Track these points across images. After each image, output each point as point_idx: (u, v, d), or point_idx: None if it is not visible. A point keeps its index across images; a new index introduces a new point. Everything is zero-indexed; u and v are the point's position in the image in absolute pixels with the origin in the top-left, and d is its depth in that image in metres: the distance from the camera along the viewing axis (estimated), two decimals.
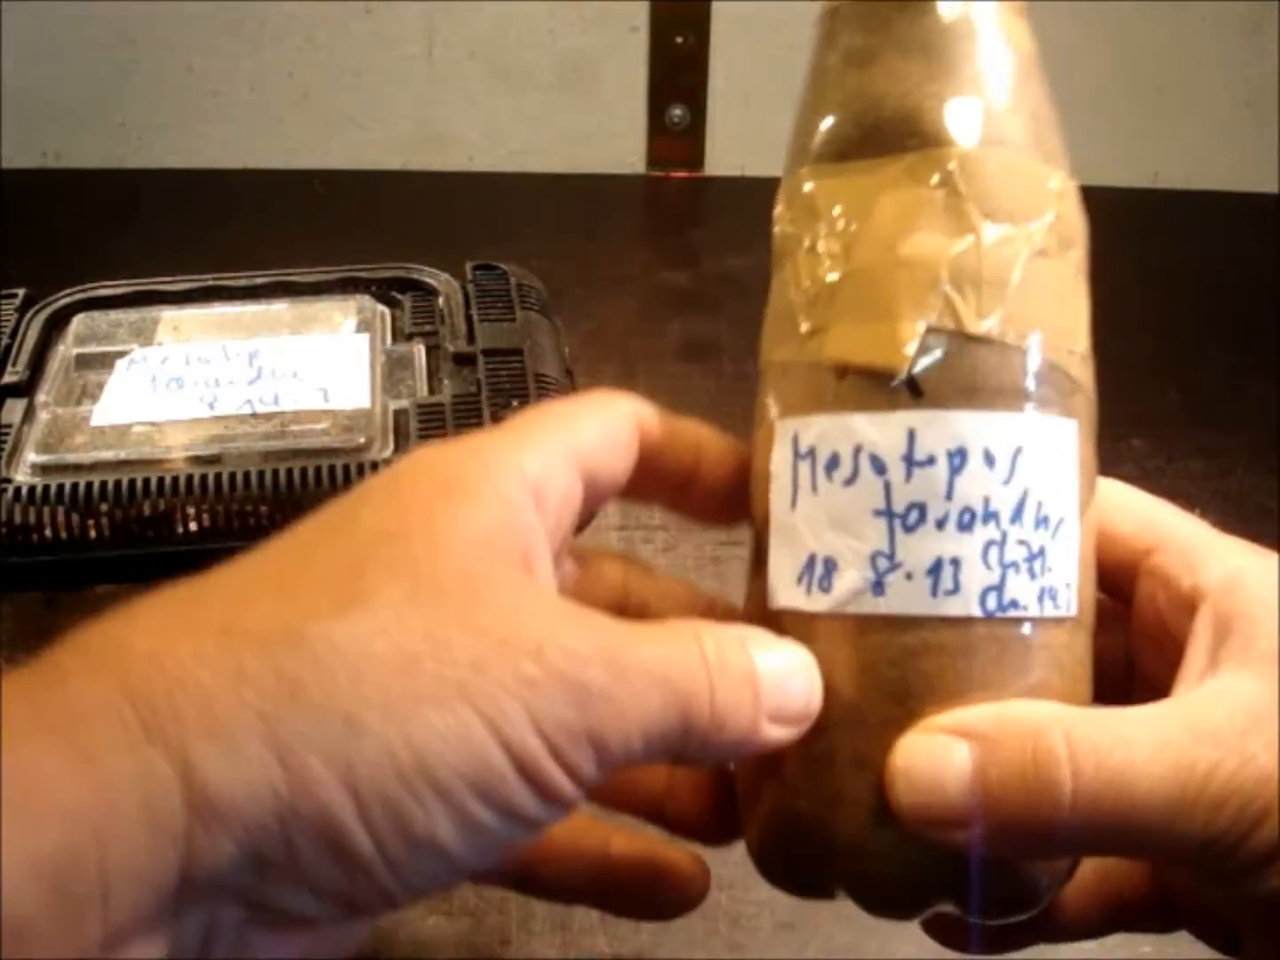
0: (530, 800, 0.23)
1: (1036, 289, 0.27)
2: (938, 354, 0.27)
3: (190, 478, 0.38)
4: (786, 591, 0.28)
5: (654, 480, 0.30)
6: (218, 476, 0.38)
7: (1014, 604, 0.27)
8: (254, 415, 0.41)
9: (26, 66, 0.88)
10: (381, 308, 0.47)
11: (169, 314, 0.46)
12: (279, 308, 0.47)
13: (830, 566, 0.27)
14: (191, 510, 0.38)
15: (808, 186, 0.29)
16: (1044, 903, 0.28)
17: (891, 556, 0.27)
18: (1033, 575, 0.27)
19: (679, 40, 0.90)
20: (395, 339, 0.46)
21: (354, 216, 0.86)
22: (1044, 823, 0.25)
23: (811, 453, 0.28)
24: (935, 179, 0.27)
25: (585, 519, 0.29)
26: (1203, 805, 0.24)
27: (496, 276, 0.48)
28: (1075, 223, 0.29)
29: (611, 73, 0.92)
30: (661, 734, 0.24)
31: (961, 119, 0.27)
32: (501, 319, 0.47)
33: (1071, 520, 0.27)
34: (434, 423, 0.41)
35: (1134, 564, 0.30)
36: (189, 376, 0.43)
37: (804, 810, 0.28)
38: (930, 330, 0.27)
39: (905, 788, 0.26)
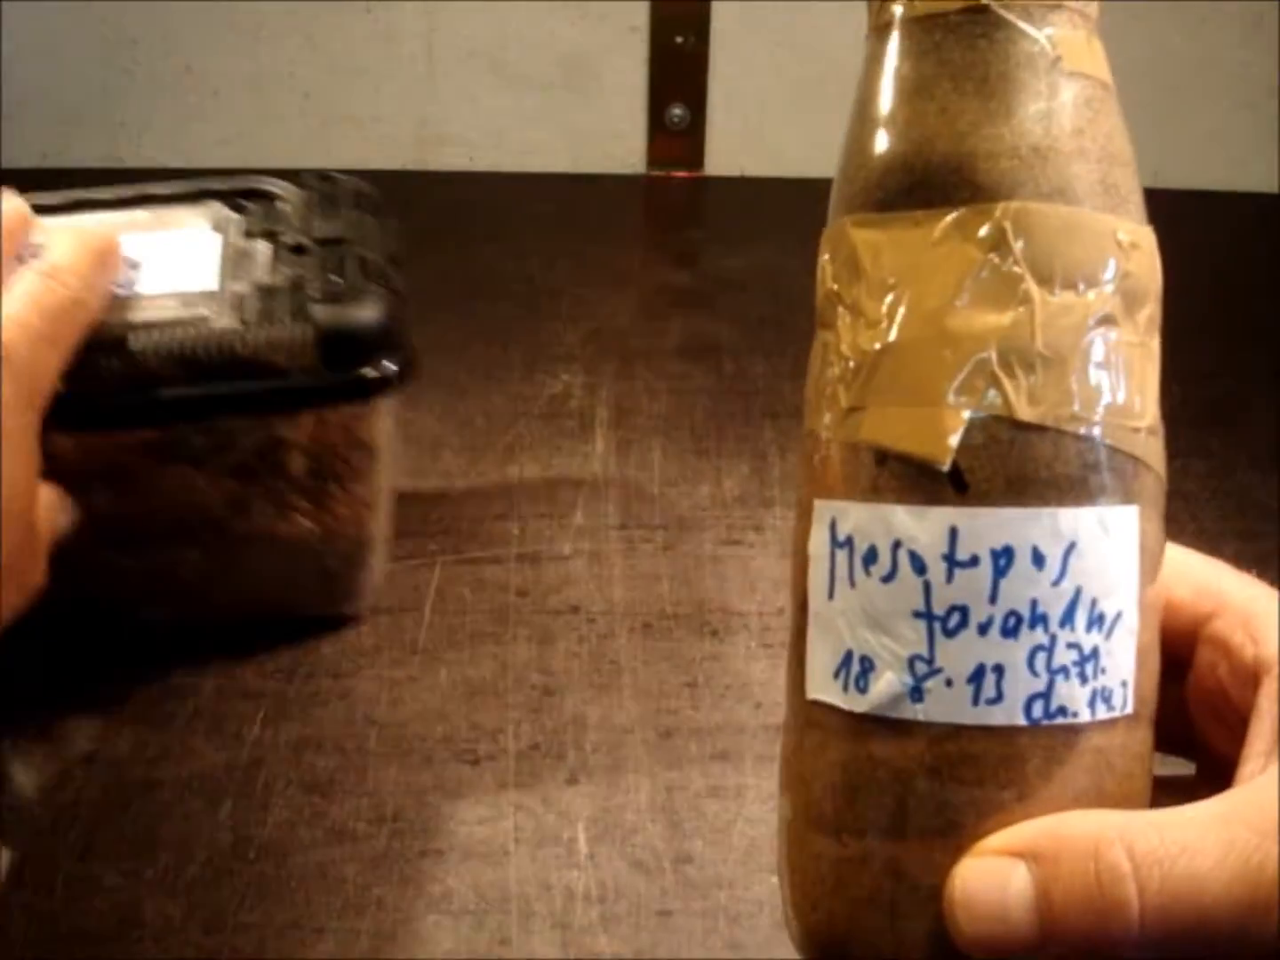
0: None
1: (1098, 364, 0.25)
2: (984, 444, 0.25)
3: None
4: (823, 684, 0.27)
5: None
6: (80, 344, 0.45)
7: (1062, 711, 0.25)
8: (114, 297, 0.48)
9: (26, 66, 0.89)
10: (232, 213, 0.53)
11: (43, 222, 0.52)
12: (140, 215, 0.53)
13: (867, 666, 0.26)
14: None
15: (852, 237, 0.26)
16: None
17: (930, 661, 0.25)
18: (1084, 679, 0.25)
19: (679, 40, 0.90)
20: (242, 238, 0.52)
21: None
22: (1113, 942, 0.24)
23: (849, 542, 0.26)
24: (986, 238, 0.25)
25: None
26: (1276, 907, 0.24)
27: (333, 184, 0.55)
28: (1147, 277, 0.26)
29: (611, 73, 0.92)
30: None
31: (1018, 167, 0.25)
32: (334, 216, 0.53)
33: (1130, 613, 0.26)
34: (269, 299, 0.48)
35: (1193, 630, 0.29)
36: None
37: (834, 908, 0.27)
38: (976, 418, 0.25)
39: (966, 917, 0.25)
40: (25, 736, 0.49)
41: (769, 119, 0.92)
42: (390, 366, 0.48)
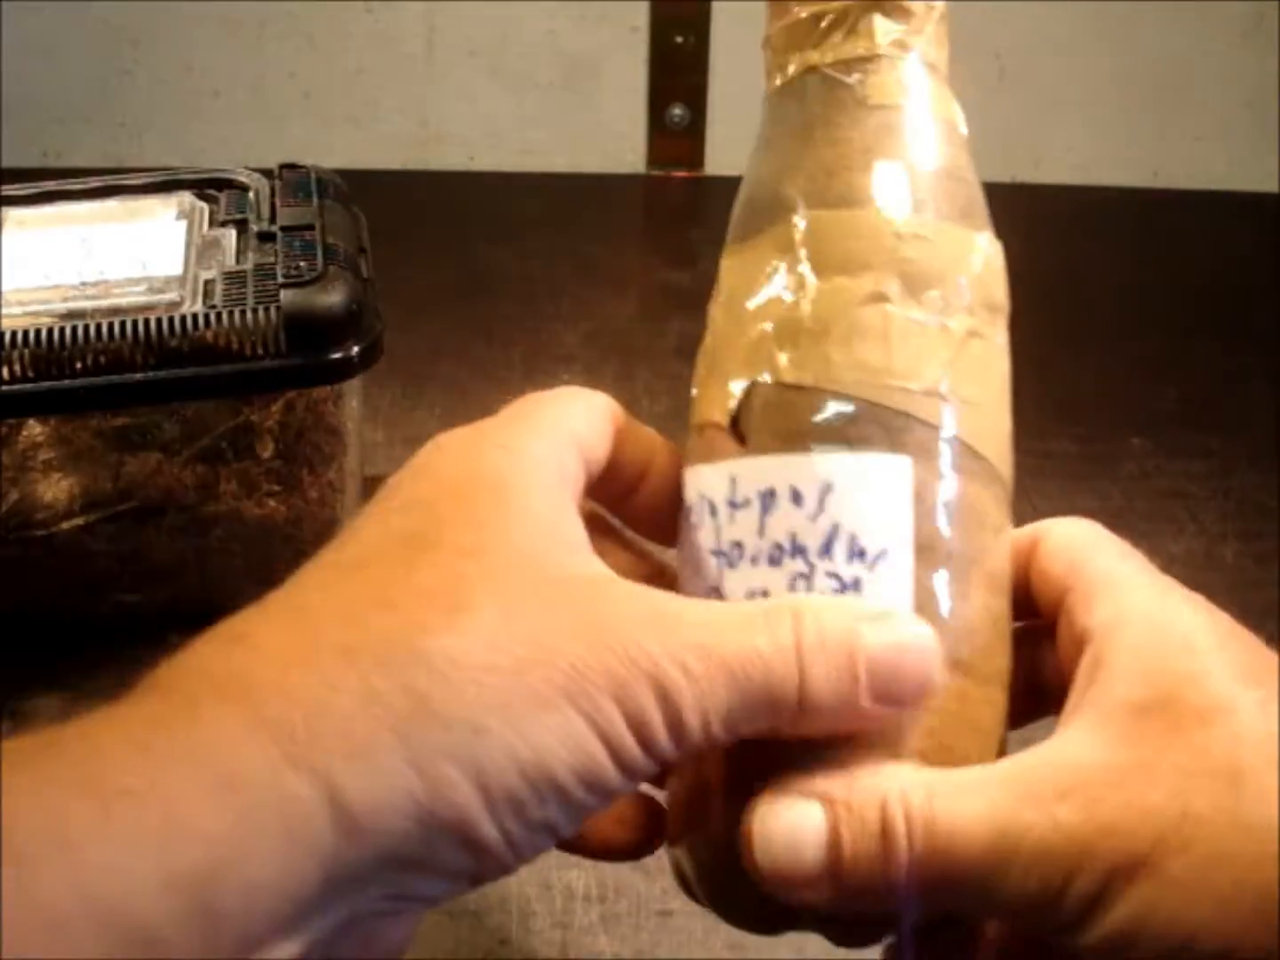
0: (620, 781, 0.25)
1: (863, 334, 0.28)
2: (760, 405, 0.29)
3: (26, 332, 0.46)
4: None
5: (607, 479, 0.32)
6: (49, 329, 0.46)
7: None
8: (83, 284, 0.49)
9: (26, 66, 0.89)
10: (200, 203, 0.54)
11: (15, 211, 0.54)
12: (111, 204, 0.54)
13: None
14: (27, 355, 0.46)
15: (720, 265, 0.32)
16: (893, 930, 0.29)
17: (720, 591, 0.29)
18: None
19: (679, 40, 0.90)
20: (211, 226, 0.53)
21: None
22: (884, 887, 0.26)
23: (684, 501, 0.31)
24: (783, 245, 0.30)
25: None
26: (1015, 868, 0.25)
27: (301, 173, 0.56)
28: (934, 264, 0.29)
29: (611, 73, 0.92)
30: (744, 717, 0.26)
31: (814, 185, 0.30)
32: (301, 204, 0.53)
33: (899, 553, 0.28)
34: (237, 284, 0.48)
35: (1058, 604, 0.30)
36: (30, 256, 0.51)
37: (675, 833, 0.31)
38: (755, 384, 0.29)
39: (762, 852, 0.27)
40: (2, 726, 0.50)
41: None
42: (355, 350, 0.48)
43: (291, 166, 0.56)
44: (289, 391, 0.49)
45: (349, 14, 0.90)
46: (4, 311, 0.47)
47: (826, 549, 0.28)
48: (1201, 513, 0.62)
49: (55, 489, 0.50)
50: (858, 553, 0.28)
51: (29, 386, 0.45)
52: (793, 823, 0.26)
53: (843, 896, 0.26)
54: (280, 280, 0.48)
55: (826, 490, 0.28)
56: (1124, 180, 0.92)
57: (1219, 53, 0.90)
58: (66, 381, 0.46)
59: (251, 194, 0.54)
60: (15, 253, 0.51)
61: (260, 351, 0.47)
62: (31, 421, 0.49)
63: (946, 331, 0.29)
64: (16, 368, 0.45)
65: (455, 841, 0.24)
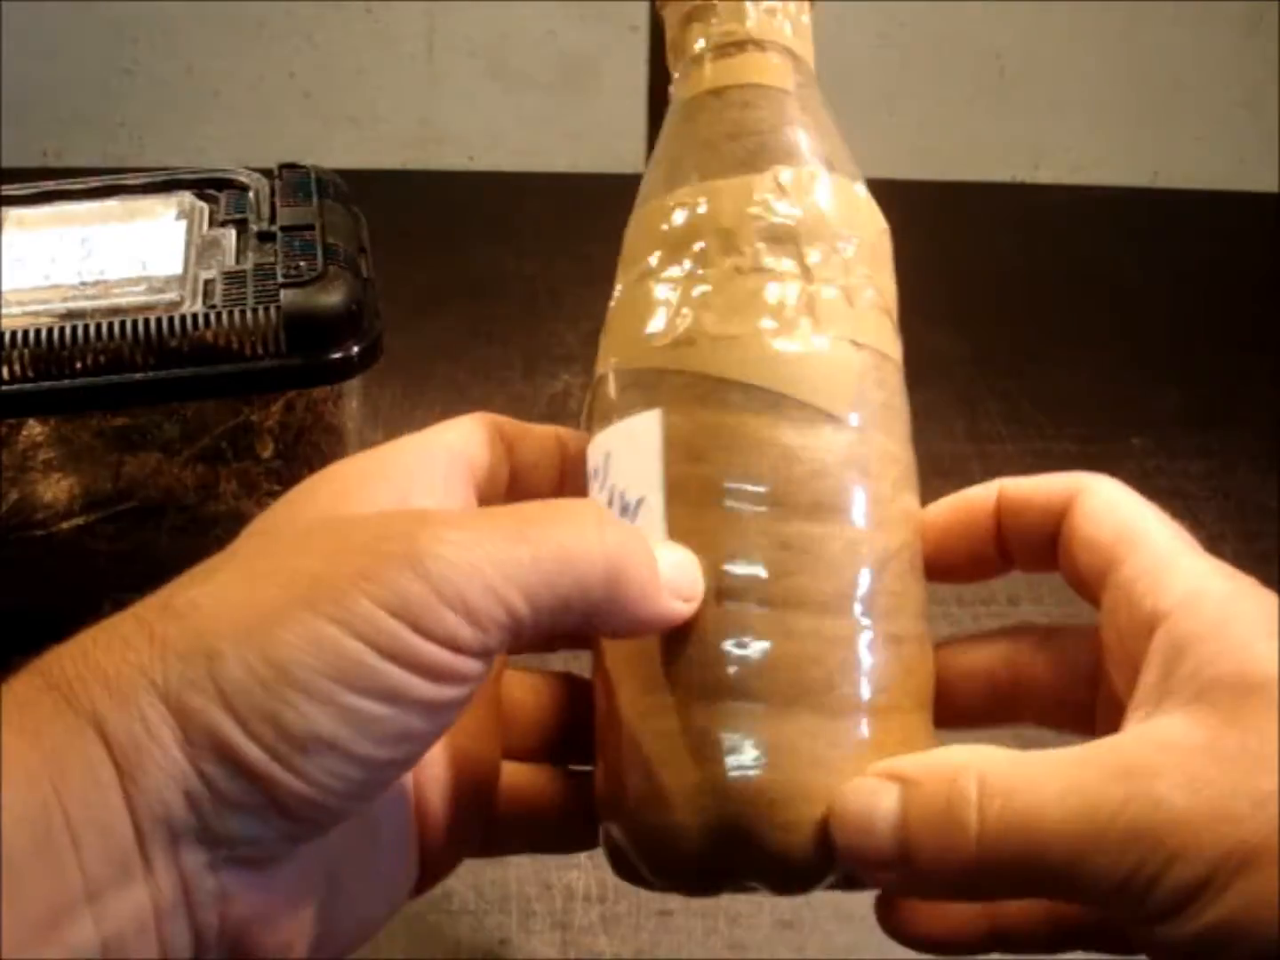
0: (410, 679, 0.24)
1: (630, 312, 0.31)
2: (589, 401, 0.32)
3: (26, 332, 0.46)
4: None
5: (522, 480, 0.32)
6: (49, 329, 0.46)
7: None
8: (83, 284, 0.49)
9: (26, 66, 0.89)
10: (200, 203, 0.55)
11: (15, 211, 0.54)
12: (111, 204, 0.54)
13: None
14: (27, 355, 0.46)
15: None
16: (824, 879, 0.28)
17: None
18: None
19: None
20: (211, 226, 0.53)
21: None
22: (955, 865, 0.25)
23: None
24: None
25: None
26: (1109, 846, 0.24)
27: (301, 173, 0.56)
28: (690, 224, 0.31)
29: (611, 72, 0.92)
30: (545, 589, 0.25)
31: (637, 200, 0.33)
32: (301, 204, 0.54)
33: (652, 497, 0.29)
34: (236, 284, 0.48)
35: (1104, 574, 0.29)
36: (30, 256, 0.51)
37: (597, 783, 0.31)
38: (593, 381, 0.32)
39: (838, 832, 0.27)
40: None
41: None
42: (355, 350, 0.48)
43: (291, 166, 0.56)
44: (289, 391, 0.49)
45: (349, 14, 0.90)
46: (4, 311, 0.47)
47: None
48: (1201, 513, 0.62)
49: (55, 489, 0.50)
50: (624, 508, 0.30)
51: (29, 386, 0.45)
52: (867, 802, 0.26)
53: (918, 876, 0.26)
54: (280, 280, 0.48)
55: (605, 460, 0.31)
56: (1124, 180, 0.92)
57: (1219, 53, 0.91)
58: (66, 381, 0.46)
59: (251, 194, 0.54)
60: (15, 253, 0.51)
61: (260, 351, 0.47)
62: (31, 421, 0.49)
63: (697, 279, 0.30)
64: (16, 368, 0.46)
65: (226, 767, 0.23)
